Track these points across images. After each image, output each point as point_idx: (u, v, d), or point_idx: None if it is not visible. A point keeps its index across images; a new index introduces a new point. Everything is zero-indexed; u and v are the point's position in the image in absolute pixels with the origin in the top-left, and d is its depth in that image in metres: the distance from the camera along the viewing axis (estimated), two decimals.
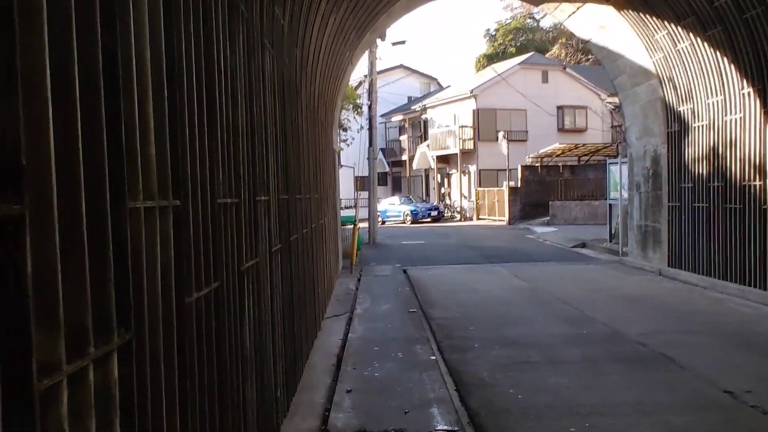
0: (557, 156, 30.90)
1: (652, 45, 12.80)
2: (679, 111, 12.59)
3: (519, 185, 29.28)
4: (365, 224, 21.58)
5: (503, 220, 29.12)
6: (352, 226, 15.23)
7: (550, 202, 26.55)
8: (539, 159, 30.97)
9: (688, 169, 12.33)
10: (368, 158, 20.63)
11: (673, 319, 8.82)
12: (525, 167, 29.65)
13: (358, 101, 20.09)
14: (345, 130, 22.01)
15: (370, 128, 20.32)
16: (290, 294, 5.81)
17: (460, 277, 13.36)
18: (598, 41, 14.58)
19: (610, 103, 38.82)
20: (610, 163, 17.84)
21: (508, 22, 61.68)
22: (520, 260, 16.24)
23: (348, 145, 22.86)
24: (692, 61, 11.78)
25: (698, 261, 11.84)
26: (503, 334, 7.95)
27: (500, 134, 29.07)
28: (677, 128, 12.72)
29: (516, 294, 11.12)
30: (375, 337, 7.75)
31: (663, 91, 13.09)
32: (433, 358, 6.70)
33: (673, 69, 12.48)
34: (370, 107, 20.10)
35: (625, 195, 15.88)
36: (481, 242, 20.94)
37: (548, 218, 26.80)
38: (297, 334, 5.97)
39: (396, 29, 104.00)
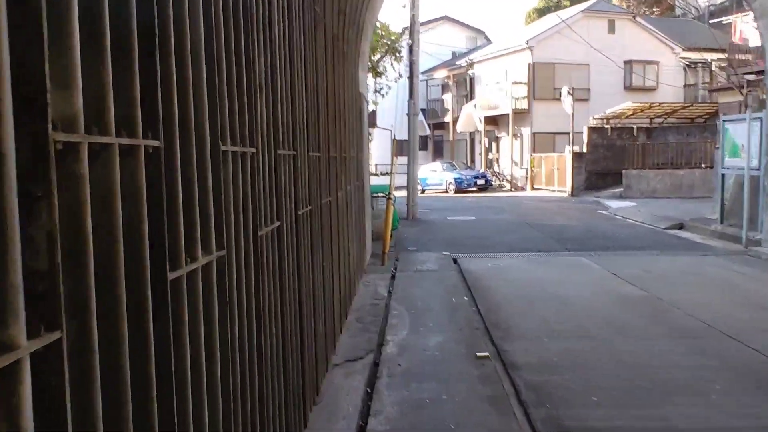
0: (626, 118, 26.47)
1: None
2: None
3: (584, 150, 25.02)
4: (402, 193, 17.82)
5: (564, 191, 24.98)
6: (385, 200, 11.42)
7: (623, 171, 22.29)
8: (605, 120, 26.59)
9: None
10: (408, 114, 16.72)
11: None
12: (592, 129, 25.34)
13: (395, 42, 16.10)
14: (379, 75, 18.13)
15: (411, 76, 16.36)
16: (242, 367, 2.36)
17: (534, 274, 9.54)
18: None
19: (684, 58, 33.95)
20: (726, 121, 13.62)
21: None
22: (606, 247, 12.30)
23: (383, 95, 18.97)
24: None
25: None
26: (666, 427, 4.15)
27: (564, 89, 24.75)
28: None
29: (629, 310, 7.26)
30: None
31: None
32: None
33: None
34: (411, 49, 16.10)
35: (754, 162, 11.74)
36: (545, 219, 16.97)
37: (621, 189, 22.59)
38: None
39: None
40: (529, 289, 8.49)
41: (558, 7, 50.65)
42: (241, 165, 2.71)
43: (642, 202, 19.95)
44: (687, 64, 34.23)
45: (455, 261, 10.91)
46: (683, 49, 33.40)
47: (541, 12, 50.78)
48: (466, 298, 7.74)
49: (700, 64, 34.28)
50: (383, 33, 14.12)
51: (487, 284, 8.76)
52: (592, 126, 25.47)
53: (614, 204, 20.10)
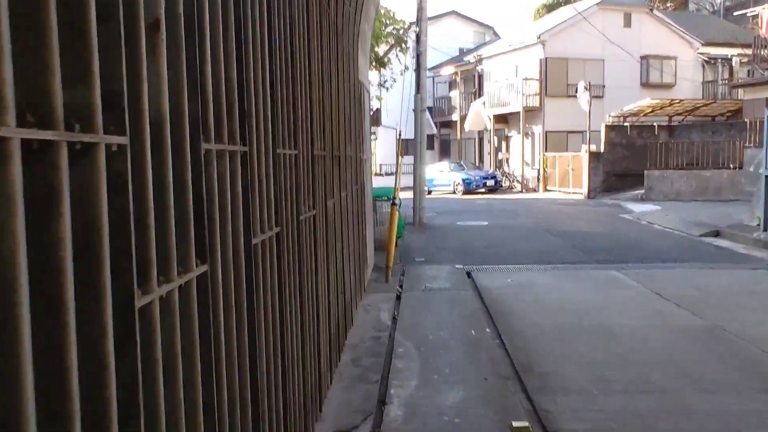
0: (644, 115, 24.97)
1: None
2: None
3: (602, 150, 23.53)
4: (408, 194, 16.42)
5: (580, 193, 23.50)
6: (390, 205, 9.97)
7: (645, 172, 20.77)
8: (622, 118, 25.09)
9: None
10: (414, 109, 15.29)
11: None
12: (610, 127, 23.83)
13: (400, 32, 14.64)
14: (383, 65, 16.61)
15: (418, 68, 14.92)
16: None
17: (564, 294, 8.10)
18: None
19: (702, 53, 32.41)
20: None
21: None
22: (639, 258, 10.87)
23: (388, 89, 17.49)
24: None
25: None
26: None
27: (581, 85, 23.23)
28: None
29: (693, 347, 5.83)
30: None
31: None
32: None
33: None
34: (418, 39, 14.66)
35: None
36: (564, 225, 15.53)
37: (642, 192, 21.10)
38: None
39: None
40: (562, 315, 7.06)
41: (568, 2, 49.22)
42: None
43: (667, 206, 18.47)
44: (706, 60, 32.69)
45: (469, 275, 9.51)
46: (702, 44, 31.87)
47: (550, 8, 49.21)
48: (488, 330, 6.31)
49: (720, 60, 32.76)
50: (388, 21, 12.72)
51: (511, 308, 7.33)
52: (610, 124, 23.97)
53: (636, 207, 18.63)
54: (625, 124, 24.13)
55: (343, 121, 6.20)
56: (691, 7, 49.46)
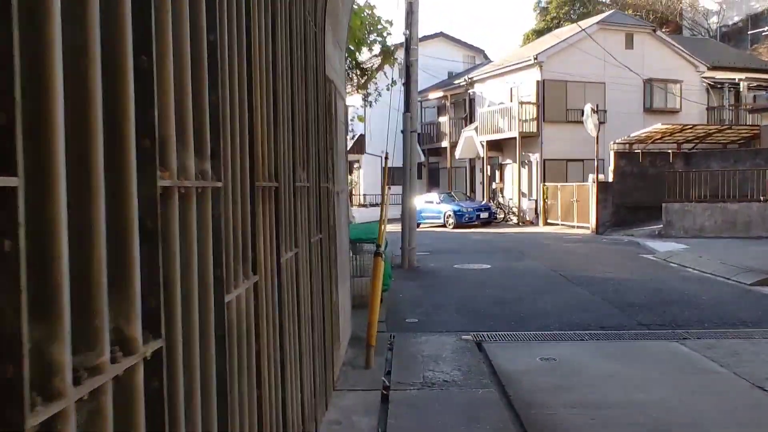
0: (652, 142, 22.70)
1: None
2: None
3: (611, 179, 21.14)
4: (394, 227, 13.88)
5: (587, 228, 21.04)
6: (374, 250, 7.32)
7: (663, 205, 18.35)
8: (628, 145, 22.79)
9: None
10: (403, 130, 12.78)
11: None
12: (619, 155, 21.48)
13: (385, 36, 12.19)
14: (364, 73, 13.95)
15: (408, 81, 12.45)
16: None
17: (626, 389, 5.51)
18: None
19: (707, 78, 30.42)
20: None
21: None
22: (694, 319, 8.39)
23: (371, 103, 14.92)
24: None
25: None
26: None
27: (587, 108, 20.87)
28: None
29: None
30: None
31: None
32: None
33: None
34: (407, 46, 12.19)
35: None
36: (582, 268, 13.00)
37: (659, 227, 18.66)
38: None
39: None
40: None
41: (559, 27, 47.51)
42: None
43: (693, 244, 16.04)
44: (711, 84, 30.70)
45: (480, 346, 6.97)
46: (708, 68, 29.89)
47: (540, 33, 47.55)
48: None
49: (727, 84, 30.83)
50: (369, 20, 10.29)
51: (559, 419, 4.73)
52: (619, 151, 21.64)
53: (657, 245, 16.18)
54: (636, 151, 21.81)
55: (302, 132, 3.69)
56: (685, 32, 47.99)
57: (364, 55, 13.52)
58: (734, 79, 30.92)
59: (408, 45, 12.28)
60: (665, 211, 18.29)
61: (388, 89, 13.51)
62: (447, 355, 6.55)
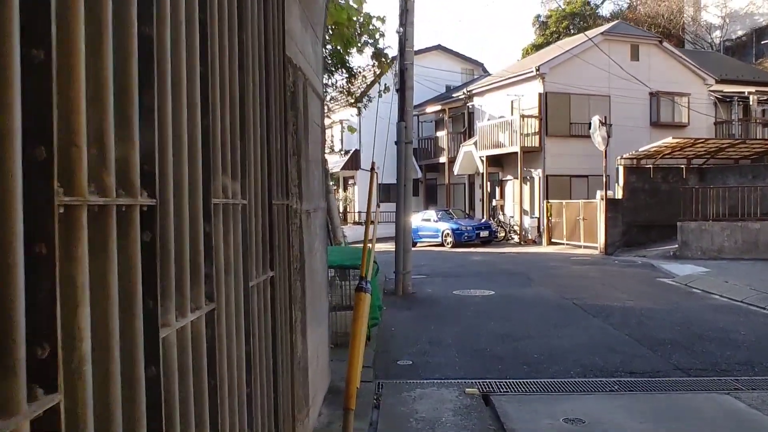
0: (661, 157, 21.42)
1: None
2: None
3: (621, 196, 19.82)
4: (385, 245, 12.57)
5: (595, 248, 19.68)
6: (357, 279, 5.92)
7: (678, 224, 17.02)
8: (635, 160, 21.51)
9: None
10: (397, 141, 11.47)
11: None
12: (630, 170, 20.18)
13: (377, 38, 10.88)
14: (351, 73, 12.60)
15: (402, 87, 11.16)
16: None
17: None
18: None
19: (715, 91, 29.25)
20: None
21: (562, 8, 52.42)
22: (737, 359, 7.06)
23: (359, 111, 13.55)
24: None
25: None
26: None
27: (595, 119, 19.59)
28: None
29: None
30: None
31: None
32: None
33: None
34: (402, 48, 10.92)
35: None
36: (597, 296, 11.64)
37: (674, 247, 17.32)
38: None
39: (431, 11, 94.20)
40: None
41: (558, 40, 46.48)
42: None
43: (713, 266, 14.70)
44: (718, 98, 29.52)
45: (487, 400, 5.63)
46: (716, 81, 28.74)
47: (539, 48, 46.55)
48: None
49: (736, 98, 29.66)
50: (356, 15, 9.07)
51: None
52: (629, 166, 20.34)
53: (674, 268, 14.83)
54: (648, 165, 20.52)
55: (230, 123, 2.38)
56: (688, 46, 46.99)
57: (355, 62, 12.29)
58: (743, 92, 29.78)
59: (402, 46, 11.00)
60: (681, 230, 16.97)
61: (380, 95, 12.20)
62: (447, 419, 5.17)
